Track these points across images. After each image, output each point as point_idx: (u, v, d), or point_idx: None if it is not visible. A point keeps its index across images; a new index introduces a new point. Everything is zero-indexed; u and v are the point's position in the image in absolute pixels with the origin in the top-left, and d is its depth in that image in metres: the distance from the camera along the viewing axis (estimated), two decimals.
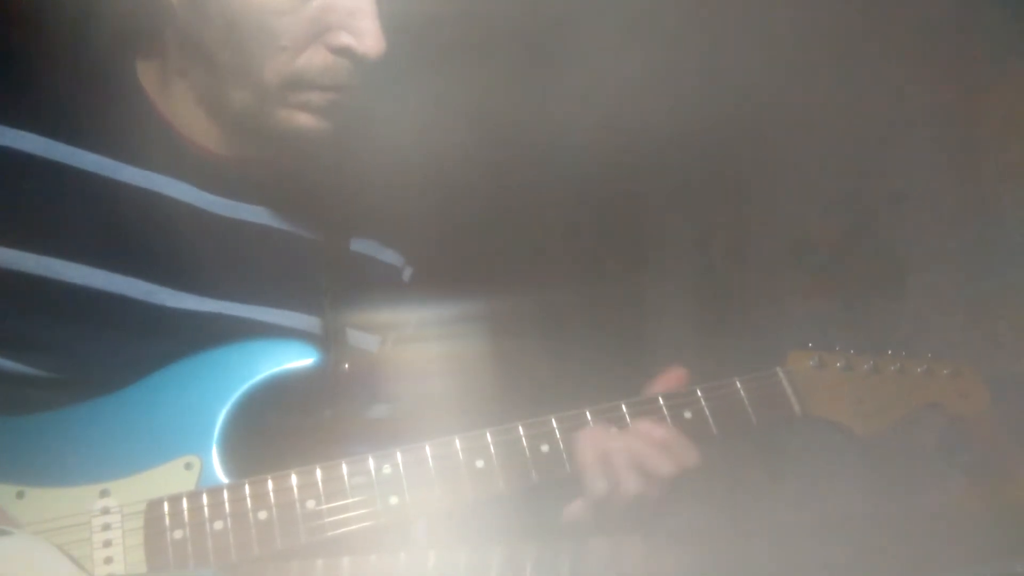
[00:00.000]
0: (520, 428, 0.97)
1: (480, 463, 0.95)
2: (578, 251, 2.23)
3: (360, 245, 1.13)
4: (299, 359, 0.98)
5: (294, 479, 0.92)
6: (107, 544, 0.89)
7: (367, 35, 0.94)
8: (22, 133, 0.96)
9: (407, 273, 1.18)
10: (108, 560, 0.89)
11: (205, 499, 0.91)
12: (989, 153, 1.96)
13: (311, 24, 0.93)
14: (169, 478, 0.92)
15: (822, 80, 2.03)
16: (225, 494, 0.91)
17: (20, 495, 0.90)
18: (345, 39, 0.94)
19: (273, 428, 0.98)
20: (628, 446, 0.96)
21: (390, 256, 1.16)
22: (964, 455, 1.79)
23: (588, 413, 0.99)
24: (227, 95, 0.97)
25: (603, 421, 0.99)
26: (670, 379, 1.03)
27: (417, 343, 1.15)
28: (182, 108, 1.01)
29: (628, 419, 0.99)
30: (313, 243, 1.09)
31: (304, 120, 0.98)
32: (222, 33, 0.94)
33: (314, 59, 0.95)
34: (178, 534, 0.90)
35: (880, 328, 2.01)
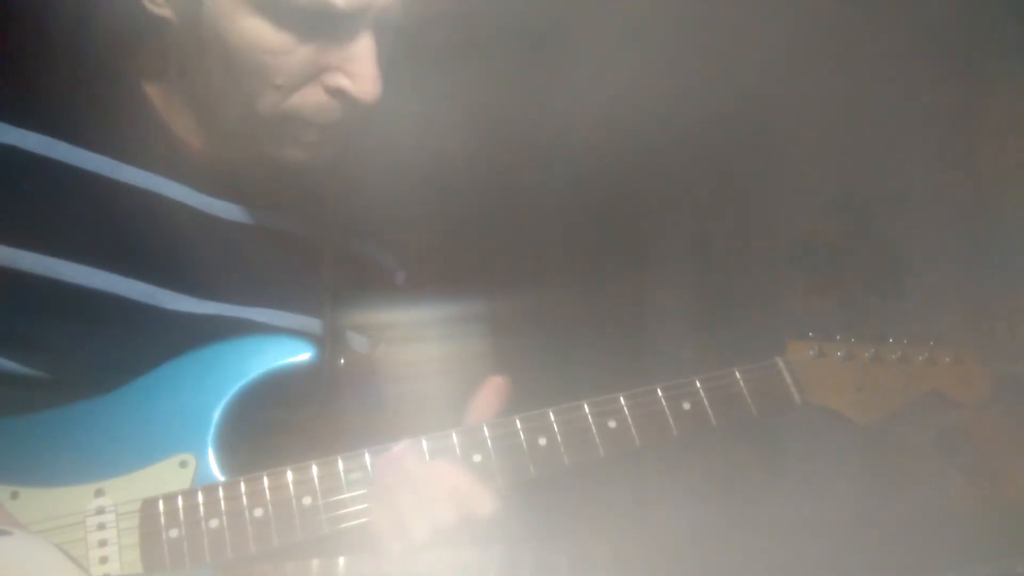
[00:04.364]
0: (517, 422, 0.97)
1: (477, 457, 0.95)
2: (577, 249, 2.23)
3: (358, 246, 1.13)
4: (294, 355, 0.97)
5: (290, 476, 0.92)
6: (102, 544, 0.89)
7: (364, 80, 0.91)
8: (24, 132, 0.96)
9: (400, 276, 1.17)
10: (103, 560, 0.88)
11: (200, 497, 0.90)
12: (989, 153, 1.96)
13: (307, 65, 0.91)
14: (164, 476, 0.91)
15: (822, 80, 2.03)
16: (221, 492, 0.91)
17: (14, 495, 0.89)
18: (342, 82, 0.91)
19: (269, 425, 0.98)
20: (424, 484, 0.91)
21: (387, 257, 1.16)
22: (963, 455, 1.79)
23: (586, 405, 0.98)
24: (220, 112, 0.96)
25: (410, 450, 0.94)
26: (492, 390, 0.99)
27: (412, 343, 1.15)
28: (180, 112, 1.01)
29: (428, 455, 0.94)
30: (312, 244, 1.08)
31: (294, 154, 0.96)
32: (216, 62, 0.92)
33: (308, 98, 0.92)
34: (174, 533, 0.89)
35: (879, 328, 2.01)
